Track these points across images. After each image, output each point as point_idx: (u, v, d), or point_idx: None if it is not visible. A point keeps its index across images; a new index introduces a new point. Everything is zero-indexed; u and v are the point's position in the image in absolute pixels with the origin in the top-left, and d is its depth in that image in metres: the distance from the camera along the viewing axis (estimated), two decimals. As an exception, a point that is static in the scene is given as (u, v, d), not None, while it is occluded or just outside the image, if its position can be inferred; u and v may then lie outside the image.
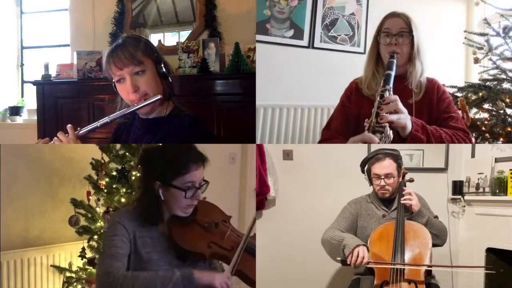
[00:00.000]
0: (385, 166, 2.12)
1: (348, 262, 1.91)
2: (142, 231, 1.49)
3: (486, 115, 3.04)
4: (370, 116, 1.78)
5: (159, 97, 1.68)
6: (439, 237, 2.07)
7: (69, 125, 1.70)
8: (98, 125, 1.70)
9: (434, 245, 2.05)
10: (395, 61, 1.93)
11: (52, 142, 1.71)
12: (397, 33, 1.96)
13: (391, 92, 1.83)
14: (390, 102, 1.76)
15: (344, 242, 1.96)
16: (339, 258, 1.95)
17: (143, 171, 1.56)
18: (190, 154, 1.50)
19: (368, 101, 1.98)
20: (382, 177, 2.12)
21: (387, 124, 1.72)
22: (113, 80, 1.71)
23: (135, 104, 1.68)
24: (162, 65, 1.72)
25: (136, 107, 1.68)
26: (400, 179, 2.13)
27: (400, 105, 1.76)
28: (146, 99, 1.68)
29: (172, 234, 1.50)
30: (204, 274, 1.42)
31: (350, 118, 2.08)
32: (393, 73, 1.89)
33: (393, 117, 1.73)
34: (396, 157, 2.15)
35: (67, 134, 1.69)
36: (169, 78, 1.74)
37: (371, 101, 1.94)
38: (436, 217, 2.17)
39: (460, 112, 2.83)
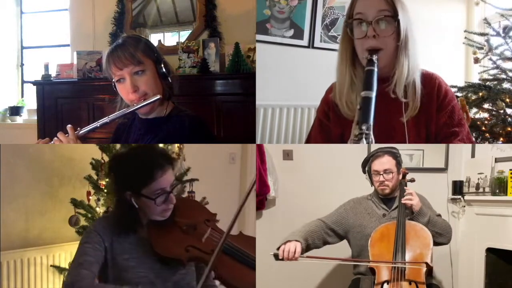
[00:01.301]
0: (384, 162, 2.12)
1: (280, 257, 1.92)
2: (120, 237, 1.47)
3: (486, 115, 3.04)
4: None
5: (158, 97, 1.68)
6: (443, 235, 2.05)
7: (69, 126, 1.69)
8: (98, 125, 1.70)
9: (439, 244, 2.05)
10: (375, 69, 1.38)
11: (52, 142, 1.71)
12: (375, 18, 1.43)
13: (371, 134, 1.31)
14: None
15: (287, 236, 1.97)
16: (271, 253, 1.93)
17: (114, 180, 1.52)
18: (155, 160, 1.45)
19: (351, 122, 1.48)
20: (381, 172, 2.12)
21: None
22: (113, 80, 1.71)
23: (134, 104, 1.68)
24: (162, 65, 1.71)
25: (136, 107, 1.68)
26: (400, 178, 2.13)
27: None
28: (145, 99, 1.67)
29: (150, 240, 1.47)
30: None
31: (331, 139, 1.68)
32: (373, 94, 1.35)
33: None
34: (395, 154, 2.15)
35: (67, 135, 1.69)
36: (169, 78, 1.73)
37: None
38: (439, 215, 2.17)
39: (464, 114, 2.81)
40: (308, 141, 1.81)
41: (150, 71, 1.69)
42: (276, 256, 1.93)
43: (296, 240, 1.96)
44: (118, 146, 2.40)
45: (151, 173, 1.43)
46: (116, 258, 1.44)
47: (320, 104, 1.72)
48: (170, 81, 1.74)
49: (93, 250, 1.42)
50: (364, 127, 1.29)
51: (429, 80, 1.57)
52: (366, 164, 2.21)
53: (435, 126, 1.53)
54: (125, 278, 1.42)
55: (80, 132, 1.70)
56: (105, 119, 1.71)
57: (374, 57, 1.40)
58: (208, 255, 1.44)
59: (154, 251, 1.45)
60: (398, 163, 2.14)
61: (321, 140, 1.69)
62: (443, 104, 1.54)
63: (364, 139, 1.28)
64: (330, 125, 1.64)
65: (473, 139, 1.60)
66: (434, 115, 1.53)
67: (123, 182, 1.47)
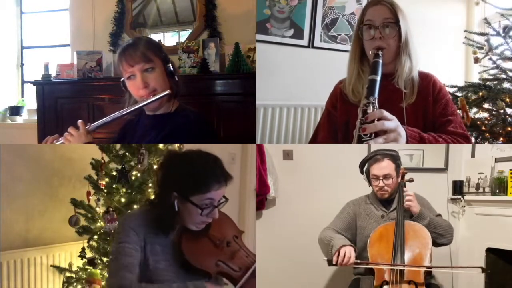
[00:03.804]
0: (384, 167, 2.11)
1: (334, 262, 1.92)
2: (152, 237, 1.44)
3: (486, 114, 3.03)
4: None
5: (168, 91, 1.74)
6: (444, 236, 2.05)
7: (79, 121, 1.76)
8: (109, 119, 1.77)
9: (441, 244, 2.06)
10: (380, 60, 1.66)
11: (62, 137, 1.76)
12: (381, 24, 1.71)
13: (376, 105, 1.54)
14: (374, 120, 1.46)
15: (332, 242, 1.98)
16: (325, 258, 1.96)
17: (162, 177, 1.48)
18: (214, 172, 1.43)
19: (356, 108, 1.69)
20: (381, 178, 2.11)
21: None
22: (122, 79, 1.78)
23: (145, 99, 1.74)
24: (170, 65, 1.79)
25: (146, 102, 1.74)
26: (399, 179, 2.12)
27: (388, 124, 1.46)
28: (155, 95, 1.74)
29: (182, 248, 1.44)
30: None
31: (337, 128, 1.90)
32: (378, 78, 1.61)
33: (379, 140, 1.46)
34: (394, 158, 2.13)
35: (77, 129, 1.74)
36: (176, 77, 1.81)
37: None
38: (439, 215, 2.16)
39: (460, 111, 2.82)
40: (316, 129, 2.04)
41: (159, 69, 1.77)
42: (329, 262, 1.94)
43: (350, 245, 1.96)
44: (118, 146, 2.40)
45: (208, 183, 1.40)
46: (147, 257, 1.42)
47: (329, 97, 1.98)
48: (177, 79, 1.82)
49: (134, 251, 1.39)
50: (371, 98, 1.55)
51: (425, 77, 1.82)
52: (364, 165, 2.20)
53: (431, 116, 1.76)
54: (153, 279, 1.40)
55: (91, 126, 1.76)
56: (117, 114, 1.77)
57: (380, 52, 1.69)
58: (236, 272, 1.45)
59: (184, 258, 1.43)
60: (397, 166, 2.13)
61: (328, 128, 1.94)
62: (438, 96, 1.77)
63: (371, 105, 1.53)
64: (336, 115, 1.90)
65: (465, 128, 1.79)
66: (431, 107, 1.76)
67: (174, 182, 1.43)
